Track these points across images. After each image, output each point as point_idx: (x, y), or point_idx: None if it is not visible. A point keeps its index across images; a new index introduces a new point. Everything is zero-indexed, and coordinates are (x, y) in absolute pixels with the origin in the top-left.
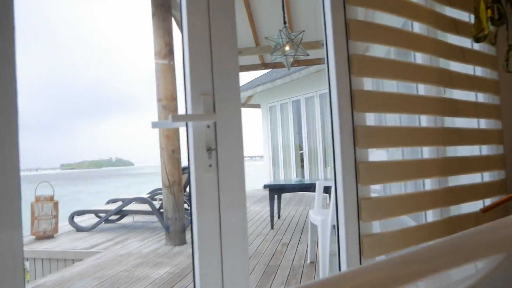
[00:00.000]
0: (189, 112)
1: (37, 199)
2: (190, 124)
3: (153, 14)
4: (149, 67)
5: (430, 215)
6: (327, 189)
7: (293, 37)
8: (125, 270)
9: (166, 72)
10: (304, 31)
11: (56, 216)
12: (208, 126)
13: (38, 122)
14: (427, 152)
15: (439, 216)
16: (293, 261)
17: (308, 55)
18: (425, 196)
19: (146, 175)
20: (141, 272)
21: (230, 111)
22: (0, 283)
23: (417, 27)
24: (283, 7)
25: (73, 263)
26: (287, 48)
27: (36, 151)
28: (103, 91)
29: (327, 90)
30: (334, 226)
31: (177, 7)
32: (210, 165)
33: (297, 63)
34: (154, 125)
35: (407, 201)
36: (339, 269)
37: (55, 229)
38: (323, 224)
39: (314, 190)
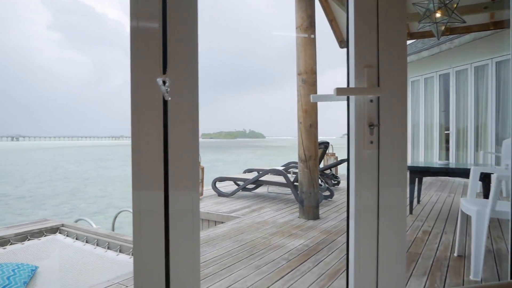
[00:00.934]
0: (351, 85)
1: None
2: (352, 98)
3: None
4: (288, 40)
5: None
6: (481, 176)
7: (447, 1)
8: (262, 237)
9: (307, 46)
10: None
11: (202, 181)
12: (371, 101)
13: None
14: None
15: None
16: (436, 252)
17: (464, 21)
18: None
19: (277, 147)
20: (277, 241)
21: (396, 85)
22: (182, 233)
23: None
24: None
25: (215, 224)
26: (438, 14)
27: None
28: (243, 64)
29: (486, 62)
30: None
31: None
32: (371, 142)
33: (449, 31)
34: (314, 98)
35: None
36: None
37: (201, 192)
38: (479, 216)
39: (464, 176)
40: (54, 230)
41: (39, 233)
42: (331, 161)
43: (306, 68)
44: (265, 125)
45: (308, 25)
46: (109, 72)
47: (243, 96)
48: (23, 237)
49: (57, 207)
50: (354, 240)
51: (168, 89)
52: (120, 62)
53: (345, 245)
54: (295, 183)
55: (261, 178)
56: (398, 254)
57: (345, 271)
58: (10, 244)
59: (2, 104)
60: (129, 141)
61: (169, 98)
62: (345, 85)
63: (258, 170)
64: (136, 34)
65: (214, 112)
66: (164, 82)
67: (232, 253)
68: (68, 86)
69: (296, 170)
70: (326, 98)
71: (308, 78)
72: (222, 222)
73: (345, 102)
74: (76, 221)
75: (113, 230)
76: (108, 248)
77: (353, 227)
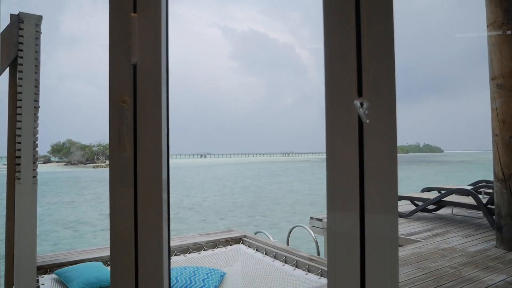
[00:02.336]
0: None
1: None
2: None
3: None
4: (474, 41)
5: None
6: None
7: None
8: (450, 266)
9: (503, 45)
10: None
11: None
12: None
13: None
14: None
15: None
16: None
17: None
18: None
19: (457, 163)
20: (469, 273)
21: None
22: (378, 258)
23: None
24: None
25: None
26: None
27: None
28: (419, 70)
29: None
30: None
31: None
32: None
33: None
34: None
35: None
36: None
37: None
38: None
39: None
40: (238, 240)
41: (226, 242)
42: None
43: (502, 71)
44: (443, 137)
45: (504, 20)
46: (280, 92)
47: (416, 106)
48: (213, 244)
49: (237, 218)
50: None
51: (366, 112)
52: (290, 82)
53: None
54: (489, 206)
55: (445, 199)
56: None
57: None
58: (203, 250)
59: (195, 126)
60: (298, 157)
61: (367, 121)
62: None
63: (439, 189)
64: (331, 55)
65: None
66: (361, 104)
67: (415, 281)
68: (246, 108)
69: (489, 191)
70: None
71: (506, 83)
72: (401, 246)
73: None
74: (255, 233)
75: (287, 244)
76: (285, 262)
77: None
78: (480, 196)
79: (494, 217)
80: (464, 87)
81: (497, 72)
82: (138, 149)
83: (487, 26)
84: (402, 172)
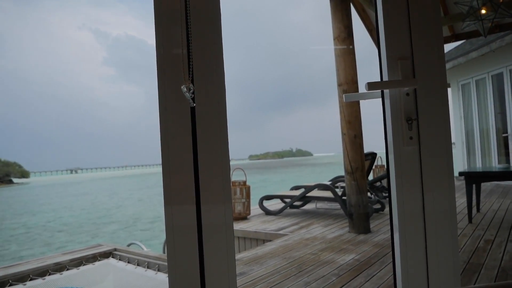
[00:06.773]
0: (385, 79)
1: (233, 184)
2: (386, 92)
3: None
4: (329, 54)
5: None
6: None
7: None
8: (311, 253)
9: (346, 56)
10: None
11: (248, 200)
12: (408, 94)
13: (231, 117)
14: None
15: None
16: (501, 261)
17: None
18: None
19: (324, 164)
20: (326, 256)
21: (433, 76)
22: (216, 246)
23: None
24: None
25: (263, 242)
26: (483, 11)
27: (230, 144)
28: (288, 85)
29: None
30: None
31: None
32: (411, 137)
33: (498, 28)
34: (347, 97)
35: None
36: None
37: (248, 212)
38: None
39: None
40: (107, 254)
41: (93, 258)
42: (381, 173)
43: (346, 79)
44: (313, 142)
45: (346, 35)
46: None
47: (289, 115)
48: (78, 262)
49: (114, 233)
50: (399, 247)
51: (193, 96)
52: None
53: None
54: (343, 197)
55: (309, 194)
56: (450, 261)
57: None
58: (67, 270)
59: (64, 138)
60: None
61: (194, 104)
62: None
63: (305, 187)
64: (163, 45)
65: (261, 133)
66: (189, 89)
67: (280, 270)
68: (124, 118)
69: (344, 184)
70: (359, 96)
71: (349, 89)
72: (270, 241)
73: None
74: (128, 245)
75: (163, 252)
76: (158, 270)
77: (397, 233)
78: (337, 189)
79: (347, 206)
80: (327, 95)
81: (342, 80)
82: None
83: (333, 40)
84: (278, 176)
